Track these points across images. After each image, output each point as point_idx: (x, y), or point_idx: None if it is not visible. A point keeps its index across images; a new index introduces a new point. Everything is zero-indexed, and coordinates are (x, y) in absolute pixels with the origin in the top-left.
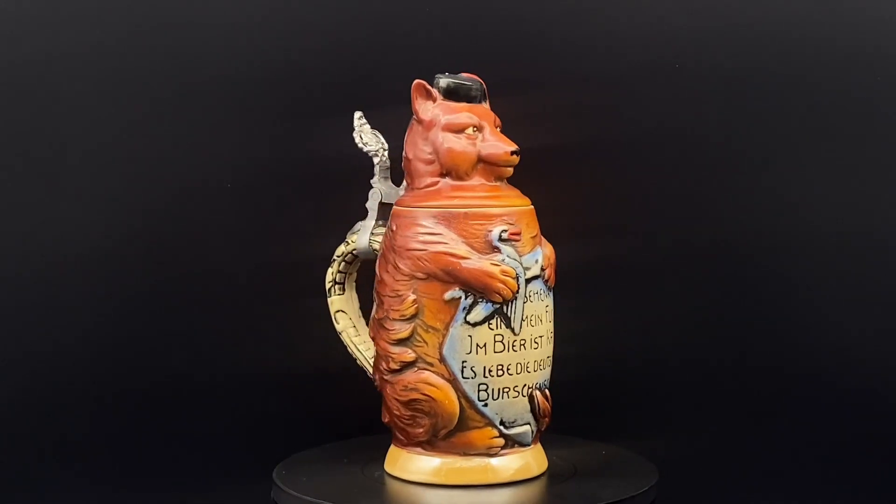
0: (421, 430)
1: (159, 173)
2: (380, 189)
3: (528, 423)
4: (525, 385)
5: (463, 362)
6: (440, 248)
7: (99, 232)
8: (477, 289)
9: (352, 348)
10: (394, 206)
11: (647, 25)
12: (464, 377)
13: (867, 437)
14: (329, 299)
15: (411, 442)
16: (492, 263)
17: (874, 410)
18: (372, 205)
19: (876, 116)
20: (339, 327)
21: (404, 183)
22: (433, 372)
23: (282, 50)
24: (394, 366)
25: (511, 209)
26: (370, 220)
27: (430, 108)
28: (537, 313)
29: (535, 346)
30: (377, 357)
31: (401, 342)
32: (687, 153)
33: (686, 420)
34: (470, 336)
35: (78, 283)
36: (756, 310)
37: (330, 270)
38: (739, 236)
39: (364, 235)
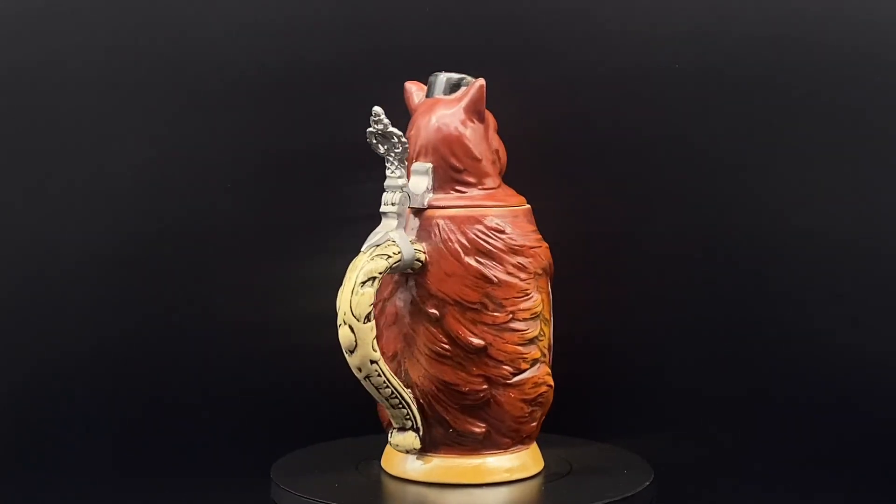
0: (535, 423)
1: (157, 177)
2: (409, 192)
3: None
4: None
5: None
6: (543, 243)
7: (98, 233)
8: (551, 279)
9: (386, 378)
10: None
11: (646, 26)
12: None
13: (867, 437)
14: (367, 325)
15: (518, 440)
16: None
17: (874, 410)
18: (402, 210)
19: (876, 118)
20: (375, 356)
21: (428, 185)
22: (545, 363)
23: (277, 49)
24: (524, 366)
25: None
26: (401, 229)
27: None
28: None
29: None
30: (488, 366)
31: (531, 341)
32: (686, 154)
33: (683, 420)
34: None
35: (74, 284)
36: (756, 310)
37: (369, 291)
38: (740, 236)
39: (405, 245)
